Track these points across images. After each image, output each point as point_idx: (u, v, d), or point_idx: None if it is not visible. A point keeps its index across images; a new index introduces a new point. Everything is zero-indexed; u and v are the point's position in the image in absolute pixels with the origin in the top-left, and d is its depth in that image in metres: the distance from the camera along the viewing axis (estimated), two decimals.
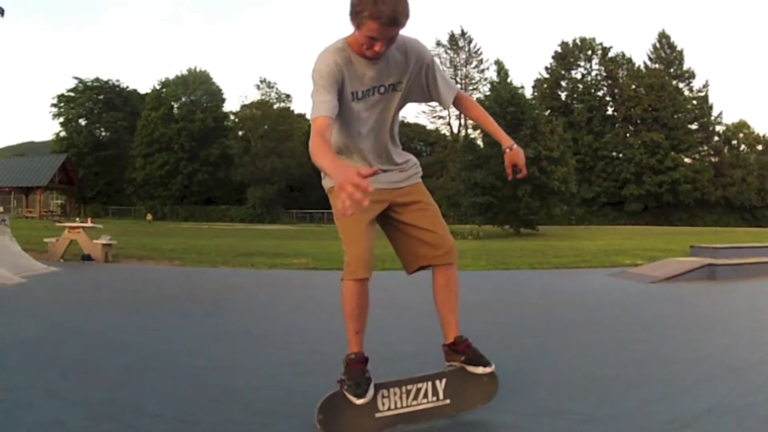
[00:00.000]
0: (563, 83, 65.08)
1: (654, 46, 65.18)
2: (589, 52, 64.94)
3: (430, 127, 71.11)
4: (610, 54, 64.63)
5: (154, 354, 3.68)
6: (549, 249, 15.77)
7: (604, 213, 58.45)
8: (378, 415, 2.38)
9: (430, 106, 62.54)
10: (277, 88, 64.16)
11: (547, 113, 46.40)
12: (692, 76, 63.73)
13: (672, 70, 63.43)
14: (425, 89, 2.48)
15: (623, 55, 64.96)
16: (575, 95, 63.75)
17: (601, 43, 64.99)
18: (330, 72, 2.23)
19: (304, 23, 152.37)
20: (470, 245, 17.93)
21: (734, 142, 62.96)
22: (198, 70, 64.04)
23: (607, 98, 64.10)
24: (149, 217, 51.05)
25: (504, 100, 33.86)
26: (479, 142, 36.54)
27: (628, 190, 58.47)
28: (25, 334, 4.16)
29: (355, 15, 2.14)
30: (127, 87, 66.08)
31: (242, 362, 3.56)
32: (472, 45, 67.85)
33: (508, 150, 2.59)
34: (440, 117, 68.61)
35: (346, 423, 2.33)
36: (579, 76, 64.75)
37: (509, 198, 32.24)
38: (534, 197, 32.56)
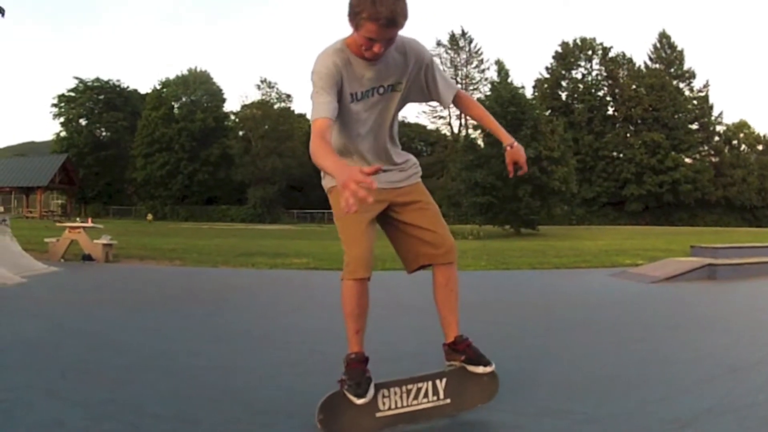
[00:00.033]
0: (564, 83, 65.09)
1: (654, 46, 65.27)
2: (590, 52, 64.96)
3: (431, 127, 71.27)
4: (611, 54, 64.69)
5: (155, 354, 3.68)
6: (549, 249, 15.77)
7: (605, 213, 58.46)
8: (378, 414, 2.38)
9: (430, 106, 62.64)
10: (277, 88, 64.32)
11: (547, 113, 46.44)
12: (693, 76, 63.82)
13: (672, 70, 63.45)
14: (425, 89, 2.48)
15: (624, 55, 65.09)
16: (576, 95, 63.76)
17: (601, 43, 65.12)
18: (329, 73, 2.23)
19: (305, 23, 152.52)
20: (471, 245, 17.93)
21: (735, 142, 62.98)
22: (198, 70, 64.19)
23: (608, 98, 64.11)
24: (150, 217, 51.09)
25: (504, 100, 33.88)
26: (480, 142, 36.57)
27: (628, 190, 58.48)
28: (26, 334, 4.16)
29: (354, 16, 2.15)
30: (128, 87, 66.32)
31: (243, 362, 3.56)
32: (472, 45, 67.98)
33: (508, 148, 2.60)
34: (441, 117, 68.76)
35: (346, 423, 2.33)
36: (579, 76, 64.80)
37: (510, 198, 32.26)
38: (534, 197, 32.57)
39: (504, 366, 2.66)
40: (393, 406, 2.41)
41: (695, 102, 62.96)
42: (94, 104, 62.58)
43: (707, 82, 65.37)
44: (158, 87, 63.31)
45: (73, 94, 62.59)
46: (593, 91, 63.70)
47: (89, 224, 11.85)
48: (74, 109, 62.25)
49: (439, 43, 67.47)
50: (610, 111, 63.70)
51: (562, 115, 52.99)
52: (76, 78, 63.96)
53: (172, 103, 62.23)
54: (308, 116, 2.31)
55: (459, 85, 2.61)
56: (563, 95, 64.70)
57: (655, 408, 2.60)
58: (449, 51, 67.69)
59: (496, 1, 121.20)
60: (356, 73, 2.30)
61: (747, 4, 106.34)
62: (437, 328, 2.59)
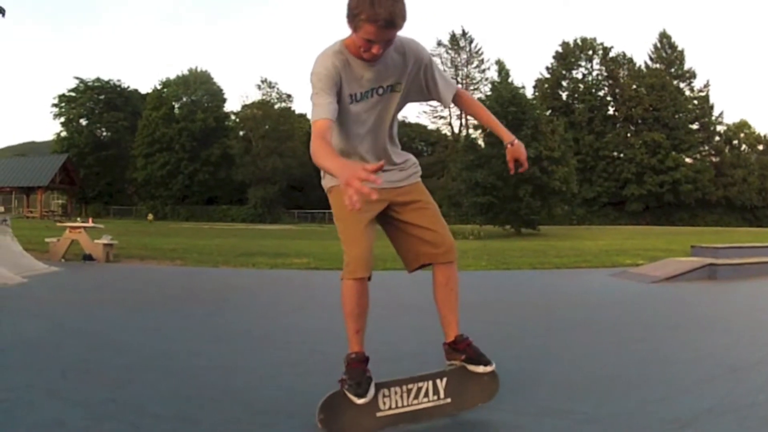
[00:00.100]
0: (564, 83, 65.07)
1: (655, 46, 65.24)
2: (590, 52, 64.93)
3: (431, 127, 71.23)
4: (611, 54, 64.66)
5: (155, 354, 3.69)
6: (550, 249, 15.77)
7: (605, 213, 58.44)
8: (379, 414, 2.39)
9: (431, 105, 62.69)
10: (278, 88, 64.31)
11: (548, 113, 46.43)
12: (693, 76, 63.80)
13: (673, 70, 63.42)
14: (424, 89, 2.49)
15: (624, 55, 65.05)
16: (576, 95, 63.73)
17: (602, 43, 65.06)
18: (328, 75, 2.24)
19: (305, 23, 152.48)
20: (471, 245, 17.93)
21: (735, 142, 62.96)
22: (199, 70, 64.16)
23: (608, 98, 64.08)
24: (150, 217, 51.09)
25: (505, 100, 33.87)
26: (480, 142, 36.60)
27: (629, 190, 58.47)
28: (27, 334, 4.16)
29: (352, 18, 2.15)
30: (128, 87, 66.32)
31: (243, 362, 3.56)
32: (473, 45, 67.99)
33: (509, 145, 2.61)
34: (441, 117, 68.77)
35: (347, 422, 2.33)
36: (580, 76, 64.78)
37: (510, 198, 32.28)
38: (535, 197, 32.58)
39: (504, 366, 2.66)
40: (393, 405, 2.41)
41: (696, 102, 62.95)
42: (94, 104, 62.61)
43: (708, 82, 65.58)
44: (159, 87, 63.37)
45: (73, 94, 62.62)
46: (594, 91, 63.68)
47: (90, 224, 11.86)
48: (75, 109, 62.28)
49: (439, 43, 67.60)
50: (611, 111, 63.67)
51: (563, 115, 53.02)
52: (77, 78, 64.12)
53: (173, 103, 62.25)
54: (309, 116, 2.31)
55: (459, 85, 2.58)
56: (564, 95, 64.67)
57: (656, 408, 2.60)
58: (450, 51, 67.80)
59: (496, 1, 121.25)
60: (355, 74, 2.30)
61: (747, 4, 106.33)
62: (437, 327, 2.59)
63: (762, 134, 63.49)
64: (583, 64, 64.97)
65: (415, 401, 2.44)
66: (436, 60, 2.54)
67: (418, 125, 69.69)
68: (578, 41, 65.30)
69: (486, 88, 58.97)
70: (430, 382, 2.48)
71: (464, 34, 67.99)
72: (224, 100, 64.92)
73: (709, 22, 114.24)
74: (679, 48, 64.63)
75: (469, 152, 36.12)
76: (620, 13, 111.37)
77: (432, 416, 2.46)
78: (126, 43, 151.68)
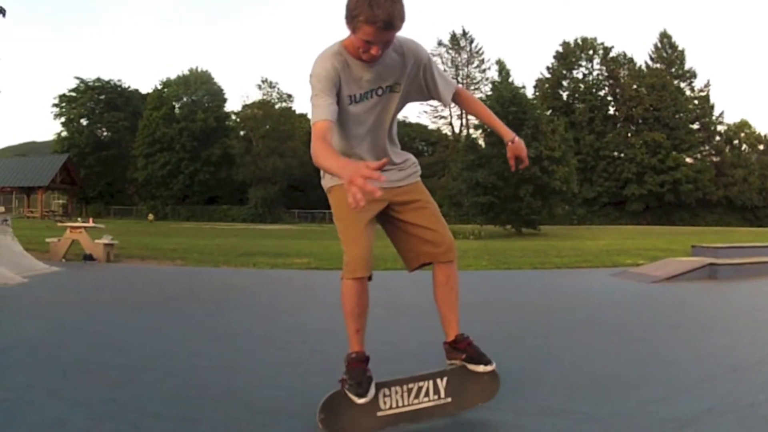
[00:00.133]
0: (564, 83, 65.08)
1: (655, 45, 65.25)
2: (591, 52, 64.95)
3: (432, 126, 71.20)
4: (612, 54, 64.70)
5: (156, 354, 3.69)
6: (550, 249, 15.77)
7: (606, 213, 58.44)
8: (380, 414, 2.39)
9: (431, 105, 62.66)
10: (278, 88, 64.26)
11: (548, 113, 46.40)
12: (693, 75, 63.83)
13: (673, 69, 63.44)
14: (424, 89, 2.49)
15: (624, 54, 65.09)
16: (576, 95, 63.74)
17: (602, 43, 65.11)
18: (327, 76, 2.24)
19: (305, 23, 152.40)
20: (472, 245, 17.93)
21: (736, 141, 62.94)
22: (199, 70, 64.16)
23: (609, 98, 64.09)
24: (151, 216, 51.10)
25: (505, 99, 33.86)
26: (481, 142, 36.61)
27: (629, 190, 58.47)
28: (27, 334, 4.16)
29: (351, 19, 2.15)
30: (129, 87, 66.31)
31: (243, 362, 3.56)
32: (473, 45, 68.02)
33: (510, 143, 2.62)
34: (442, 117, 68.79)
35: (347, 422, 2.33)
36: (580, 76, 64.80)
37: (511, 198, 32.28)
38: (535, 197, 32.58)
39: (505, 365, 2.66)
40: (394, 405, 2.41)
41: (696, 102, 62.97)
42: (95, 104, 62.63)
43: (708, 81, 65.67)
44: (159, 87, 63.36)
45: (74, 94, 62.64)
46: (594, 90, 63.69)
47: (90, 224, 11.87)
48: (75, 109, 62.30)
49: (440, 43, 67.66)
50: (611, 111, 63.69)
51: (563, 115, 53.00)
52: (77, 78, 64.08)
53: (173, 103, 62.25)
54: (309, 116, 2.32)
55: (460, 85, 2.57)
56: (564, 95, 64.68)
57: (656, 408, 2.60)
58: (450, 51, 67.83)
59: (496, 1, 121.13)
60: (354, 75, 2.31)
61: (747, 4, 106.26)
62: (438, 327, 2.59)
63: (762, 134, 63.55)
64: (583, 63, 65.01)
65: (416, 401, 2.45)
66: (437, 60, 2.53)
67: (418, 125, 69.71)
68: (579, 41, 65.33)
69: (486, 88, 59.11)
70: (431, 382, 2.48)
71: (465, 34, 68.11)
72: (225, 100, 65.01)
73: (709, 22, 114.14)
74: (680, 48, 64.76)
75: (469, 152, 36.12)
76: (620, 13, 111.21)
77: (432, 416, 2.46)
78: (126, 43, 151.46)
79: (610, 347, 4.08)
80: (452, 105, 2.70)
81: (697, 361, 3.56)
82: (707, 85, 63.51)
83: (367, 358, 2.41)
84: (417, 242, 2.54)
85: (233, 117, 64.92)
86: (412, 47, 2.39)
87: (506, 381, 2.64)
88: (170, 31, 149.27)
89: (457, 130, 66.47)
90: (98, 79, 63.40)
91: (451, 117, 67.24)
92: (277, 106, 61.67)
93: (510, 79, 38.58)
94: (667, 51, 64.58)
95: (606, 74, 64.25)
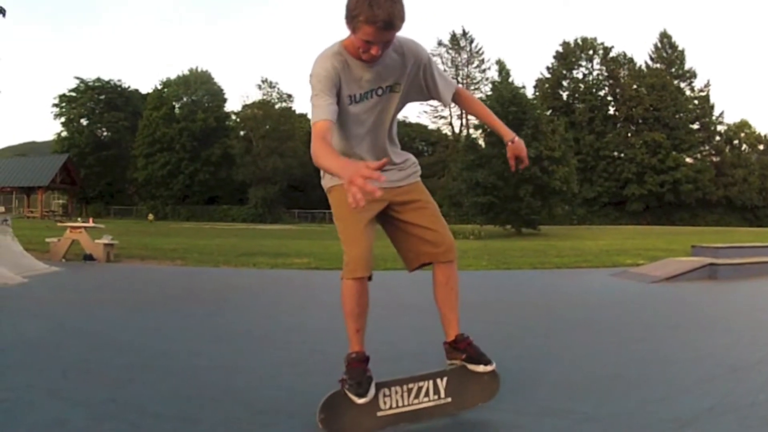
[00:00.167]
0: (565, 83, 65.08)
1: (655, 45, 65.26)
2: (591, 52, 64.94)
3: (432, 126, 71.19)
4: (612, 54, 64.69)
5: (156, 354, 3.69)
6: (550, 249, 15.77)
7: (606, 213, 58.44)
8: (380, 413, 2.39)
9: (431, 105, 62.67)
10: (278, 88, 64.25)
11: (548, 113, 46.41)
12: (693, 75, 63.84)
13: (673, 69, 63.44)
14: (424, 89, 2.49)
15: (624, 54, 65.09)
16: (577, 95, 63.74)
17: (602, 43, 65.10)
18: (327, 76, 2.24)
19: (305, 23, 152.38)
20: (472, 245, 17.94)
21: (736, 141, 62.94)
22: (199, 70, 64.15)
23: (609, 98, 64.09)
24: (151, 216, 51.11)
25: (505, 99, 33.87)
26: (481, 142, 36.60)
27: (629, 190, 58.47)
28: (27, 334, 4.16)
29: (351, 19, 2.15)
30: (129, 87, 66.30)
31: (243, 362, 3.57)
32: (473, 45, 68.03)
33: (510, 143, 2.62)
34: (442, 117, 68.78)
35: (347, 422, 2.33)
36: (580, 76, 64.80)
37: (511, 198, 32.29)
38: (535, 197, 32.58)
39: (505, 365, 2.66)
40: (394, 405, 2.41)
41: (696, 102, 62.98)
42: (95, 104, 62.62)
43: (708, 81, 65.69)
44: (159, 87, 63.36)
45: (74, 94, 62.64)
46: (594, 90, 63.69)
47: (90, 224, 11.87)
48: (75, 109, 62.30)
49: (440, 43, 67.66)
50: (611, 111, 63.68)
51: (563, 115, 52.97)
52: (77, 78, 64.07)
53: (173, 103, 62.25)
54: (309, 116, 2.32)
55: (460, 85, 2.57)
56: (564, 95, 64.68)
57: (656, 408, 2.60)
58: (450, 51, 67.83)
59: (496, 1, 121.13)
60: (354, 75, 2.31)
61: (747, 4, 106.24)
62: (438, 327, 2.59)
63: (762, 134, 63.56)
64: (583, 63, 65.01)
65: (416, 401, 2.45)
66: (437, 60, 2.53)
67: (418, 125, 69.71)
68: (579, 41, 65.33)
69: (486, 88, 59.12)
70: (431, 382, 2.48)
71: (465, 34, 68.11)
72: (225, 100, 65.01)
73: (710, 22, 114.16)
74: (680, 48, 64.75)
75: (469, 152, 36.12)
76: (621, 13, 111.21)
77: (432, 416, 2.46)
78: (126, 43, 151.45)
79: (610, 347, 4.08)
80: (452, 105, 2.69)
81: (697, 361, 3.56)
82: (707, 85, 63.63)
83: (367, 358, 2.41)
84: (417, 242, 2.54)
85: (233, 117, 64.95)
86: (412, 47, 2.39)
87: (506, 381, 2.64)
88: (170, 31, 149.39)
89: (457, 130, 66.54)
90: (98, 79, 63.47)
91: (451, 117, 67.35)
92: (277, 106, 61.68)
93: (510, 79, 38.58)
94: (667, 51, 64.59)
95: (606, 74, 64.26)
